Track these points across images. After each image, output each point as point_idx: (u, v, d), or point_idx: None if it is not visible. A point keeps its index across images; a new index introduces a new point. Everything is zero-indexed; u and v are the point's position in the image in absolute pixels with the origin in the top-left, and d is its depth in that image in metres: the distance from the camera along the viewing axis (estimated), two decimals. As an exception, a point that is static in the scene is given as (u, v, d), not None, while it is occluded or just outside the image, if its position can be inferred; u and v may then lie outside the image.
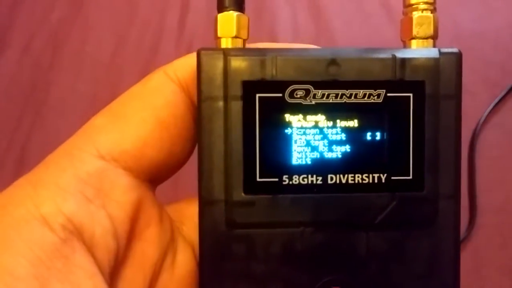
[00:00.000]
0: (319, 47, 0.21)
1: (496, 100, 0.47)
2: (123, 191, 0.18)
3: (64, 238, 0.17)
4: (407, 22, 0.20)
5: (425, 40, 0.20)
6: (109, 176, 0.18)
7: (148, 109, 0.19)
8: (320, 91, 0.19)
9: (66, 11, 0.50)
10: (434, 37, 0.20)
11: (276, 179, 0.19)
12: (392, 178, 0.19)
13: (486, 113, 0.46)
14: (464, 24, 0.50)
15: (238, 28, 0.19)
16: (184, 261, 0.20)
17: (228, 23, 0.19)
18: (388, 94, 0.19)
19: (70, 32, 0.49)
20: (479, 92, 0.47)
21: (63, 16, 0.50)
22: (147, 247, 0.19)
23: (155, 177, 0.20)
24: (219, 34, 0.19)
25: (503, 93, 0.47)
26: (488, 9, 0.51)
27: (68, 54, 0.48)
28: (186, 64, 0.20)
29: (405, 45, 0.20)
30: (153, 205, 0.20)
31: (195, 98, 0.19)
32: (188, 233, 0.21)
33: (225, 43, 0.19)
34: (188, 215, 0.21)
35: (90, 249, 0.17)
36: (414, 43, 0.20)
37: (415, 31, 0.20)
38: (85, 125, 0.19)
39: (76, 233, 0.17)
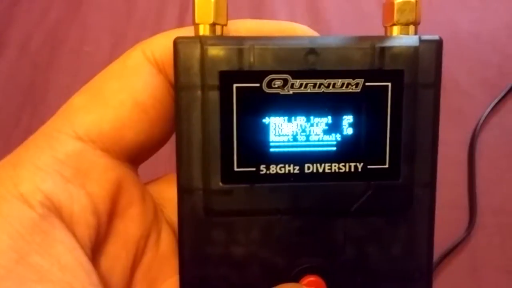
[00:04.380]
0: (301, 27, 0.21)
1: (496, 100, 0.47)
2: (102, 170, 0.19)
3: (43, 214, 0.17)
4: (388, 8, 0.20)
5: (406, 26, 0.19)
6: (88, 156, 0.18)
7: (126, 91, 0.19)
8: (298, 80, 0.19)
9: (64, 10, 0.50)
10: (416, 23, 0.19)
11: (254, 169, 0.19)
12: (368, 167, 0.19)
13: (485, 114, 0.46)
14: (462, 25, 0.50)
15: (216, 14, 0.19)
16: (168, 240, 0.21)
17: (205, 9, 0.19)
18: (367, 84, 0.19)
19: (68, 31, 0.49)
20: (476, 93, 0.47)
21: (61, 16, 0.50)
22: (129, 225, 0.20)
23: (134, 158, 0.20)
24: (196, 21, 0.19)
25: (502, 94, 0.47)
26: (485, 10, 0.51)
27: (66, 53, 0.48)
28: (164, 45, 0.19)
29: (386, 31, 0.20)
30: (135, 184, 0.20)
31: (173, 80, 0.19)
32: (168, 215, 0.21)
33: (203, 30, 0.19)
34: (168, 198, 0.21)
35: (69, 226, 0.18)
36: (395, 29, 0.20)
37: (396, 17, 0.19)
38: (64, 105, 0.19)
39: (55, 210, 0.17)
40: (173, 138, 0.20)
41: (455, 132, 0.46)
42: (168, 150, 0.21)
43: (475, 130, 0.46)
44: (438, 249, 0.41)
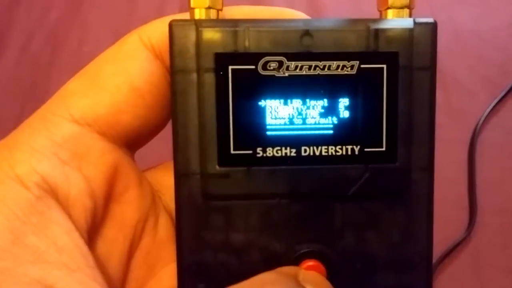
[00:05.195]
0: (297, 13, 0.21)
1: (496, 100, 0.47)
2: (99, 154, 0.19)
3: (39, 196, 0.17)
4: None
5: (400, 10, 0.19)
6: (84, 139, 0.18)
7: (122, 76, 0.19)
8: (293, 63, 0.19)
9: (64, 10, 0.50)
10: (410, 6, 0.19)
11: (250, 152, 0.19)
12: (365, 150, 0.19)
13: (486, 113, 0.46)
14: (464, 23, 0.50)
15: None
16: (166, 226, 0.21)
17: None
18: (362, 66, 0.19)
19: (68, 31, 0.49)
20: (478, 92, 0.47)
21: (61, 16, 0.50)
22: (126, 209, 0.20)
23: (131, 142, 0.20)
24: (192, 5, 0.19)
25: (503, 93, 0.47)
26: (487, 9, 0.51)
27: (67, 53, 0.48)
28: (160, 30, 0.19)
29: (381, 15, 0.20)
30: (132, 169, 0.20)
31: (169, 65, 0.19)
32: (166, 202, 0.21)
33: (199, 14, 0.19)
34: (165, 185, 0.21)
35: (65, 208, 0.18)
36: (390, 13, 0.20)
37: (391, 0, 0.19)
38: (60, 90, 0.19)
39: (51, 192, 0.17)
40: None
41: (456, 131, 0.46)
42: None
43: (475, 129, 0.46)
44: (439, 249, 0.41)
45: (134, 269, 0.20)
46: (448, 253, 0.41)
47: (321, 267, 0.19)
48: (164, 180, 0.21)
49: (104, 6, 0.50)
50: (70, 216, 0.17)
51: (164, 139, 0.22)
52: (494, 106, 0.46)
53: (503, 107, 0.47)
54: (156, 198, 0.21)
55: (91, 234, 0.18)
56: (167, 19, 0.19)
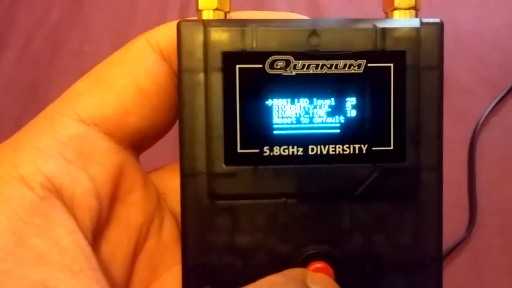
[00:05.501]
0: (302, 18, 0.21)
1: (496, 100, 0.47)
2: (105, 154, 0.19)
3: (43, 196, 0.17)
4: None
5: (407, 11, 0.20)
6: (90, 139, 0.18)
7: (129, 77, 0.19)
8: (300, 62, 0.19)
9: (65, 10, 0.50)
10: (417, 8, 0.20)
11: (257, 150, 0.19)
12: (373, 148, 0.19)
13: (486, 113, 0.46)
14: (464, 24, 0.50)
15: (219, 0, 0.19)
16: (171, 229, 0.21)
17: None
18: (369, 65, 0.19)
19: (69, 31, 0.49)
20: (478, 92, 0.47)
21: (62, 16, 0.50)
22: (131, 211, 0.19)
23: (137, 144, 0.20)
24: (200, 7, 0.19)
25: (503, 93, 0.47)
26: (487, 10, 0.51)
27: (67, 53, 0.48)
28: (168, 34, 0.19)
29: (387, 16, 0.20)
30: (137, 170, 0.20)
31: (176, 68, 0.19)
32: (171, 205, 0.21)
33: (207, 16, 0.19)
34: (170, 187, 0.21)
35: (70, 208, 0.17)
36: (396, 14, 0.20)
37: (397, 1, 0.19)
38: (66, 91, 0.19)
39: (56, 192, 0.17)
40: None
41: (456, 132, 0.46)
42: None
43: (475, 129, 0.46)
44: (439, 249, 0.41)
45: (138, 271, 0.20)
46: (448, 253, 0.41)
47: (329, 269, 0.19)
48: (169, 182, 0.21)
49: (105, 6, 0.50)
50: (74, 216, 0.17)
51: (169, 142, 0.22)
52: (494, 106, 0.46)
53: (503, 107, 0.47)
54: (161, 200, 0.21)
55: (96, 235, 0.18)
56: (174, 24, 0.19)
